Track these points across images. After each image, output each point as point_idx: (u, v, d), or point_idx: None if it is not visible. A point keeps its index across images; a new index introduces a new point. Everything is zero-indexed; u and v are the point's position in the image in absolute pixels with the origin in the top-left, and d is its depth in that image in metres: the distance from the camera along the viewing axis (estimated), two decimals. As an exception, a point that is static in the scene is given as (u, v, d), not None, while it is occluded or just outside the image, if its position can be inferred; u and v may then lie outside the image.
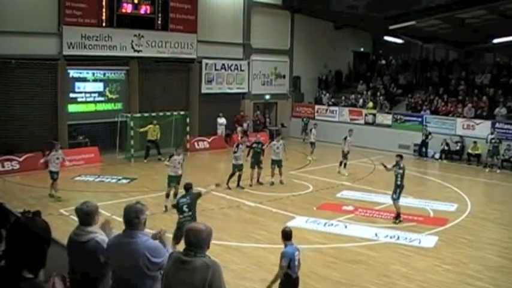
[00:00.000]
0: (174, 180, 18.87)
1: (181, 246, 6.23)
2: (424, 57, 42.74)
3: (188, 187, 13.96)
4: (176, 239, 12.50)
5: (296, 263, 9.94)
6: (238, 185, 22.24)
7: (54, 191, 20.09)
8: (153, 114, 28.93)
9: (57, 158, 20.22)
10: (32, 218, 3.79)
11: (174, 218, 16.40)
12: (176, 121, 29.95)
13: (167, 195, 18.83)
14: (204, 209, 18.59)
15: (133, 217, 5.83)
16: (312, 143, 29.96)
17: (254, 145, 23.43)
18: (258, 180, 23.21)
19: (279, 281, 9.99)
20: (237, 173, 22.22)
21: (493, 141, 28.24)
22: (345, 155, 25.82)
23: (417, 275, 13.12)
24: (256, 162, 23.02)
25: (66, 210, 17.63)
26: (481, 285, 12.72)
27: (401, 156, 18.19)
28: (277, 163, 23.28)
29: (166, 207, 18.42)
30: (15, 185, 22.21)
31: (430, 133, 30.94)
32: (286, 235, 10.15)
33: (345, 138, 26.08)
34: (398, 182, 17.80)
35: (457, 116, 31.45)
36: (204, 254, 5.21)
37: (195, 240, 5.19)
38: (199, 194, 14.09)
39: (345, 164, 25.91)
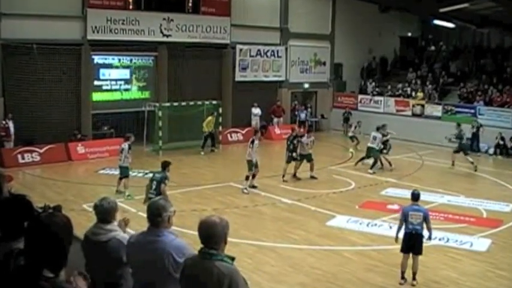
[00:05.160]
0: (253, 164, 21.01)
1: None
2: (477, 43, 42.10)
3: (165, 165, 15.63)
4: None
5: (410, 219, 12.35)
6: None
7: (124, 187, 19.84)
8: (183, 103, 29.03)
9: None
10: (52, 215, 3.77)
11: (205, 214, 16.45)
12: (209, 111, 29.79)
13: (247, 178, 20.95)
14: (237, 206, 18.69)
15: (155, 214, 5.80)
16: (352, 137, 29.58)
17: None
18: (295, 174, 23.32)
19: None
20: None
21: None
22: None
23: (468, 281, 12.91)
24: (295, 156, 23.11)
25: (89, 206, 17.76)
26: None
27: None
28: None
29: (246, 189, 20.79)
30: (36, 178, 22.46)
31: (481, 125, 30.34)
32: (412, 195, 12.77)
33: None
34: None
35: (514, 108, 30.93)
36: (221, 255, 5.05)
37: (209, 236, 5.08)
38: (166, 179, 15.58)
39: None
